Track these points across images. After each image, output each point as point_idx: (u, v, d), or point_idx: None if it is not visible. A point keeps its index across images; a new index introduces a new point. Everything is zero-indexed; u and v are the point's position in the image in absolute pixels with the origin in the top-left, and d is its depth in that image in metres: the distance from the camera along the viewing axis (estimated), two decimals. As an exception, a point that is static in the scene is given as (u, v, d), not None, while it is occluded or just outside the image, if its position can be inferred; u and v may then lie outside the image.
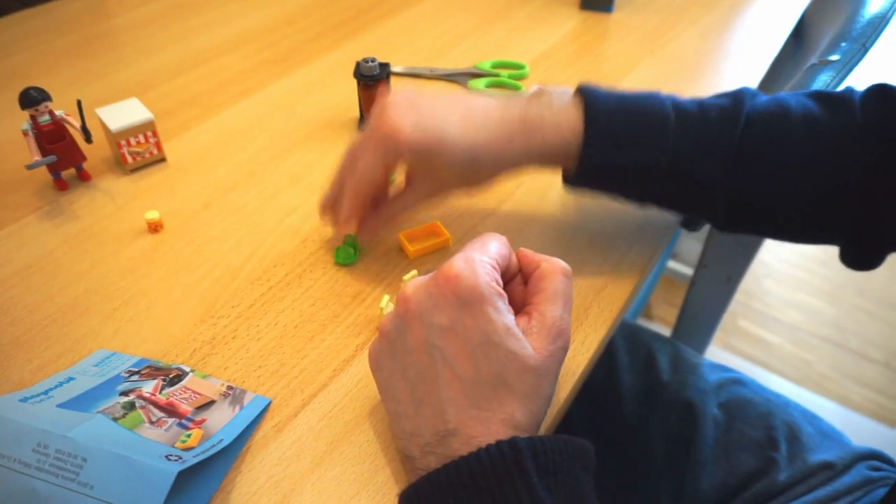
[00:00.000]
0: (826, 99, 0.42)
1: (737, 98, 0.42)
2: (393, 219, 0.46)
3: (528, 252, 0.37)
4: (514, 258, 0.36)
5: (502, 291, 0.33)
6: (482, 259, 0.33)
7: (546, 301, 0.34)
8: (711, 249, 0.81)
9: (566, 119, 0.42)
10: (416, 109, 0.41)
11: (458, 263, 0.32)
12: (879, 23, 0.59)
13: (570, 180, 0.45)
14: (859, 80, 0.51)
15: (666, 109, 0.42)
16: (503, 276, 0.35)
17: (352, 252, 0.47)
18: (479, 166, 0.42)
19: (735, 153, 0.41)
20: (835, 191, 0.42)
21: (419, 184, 0.45)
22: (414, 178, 0.46)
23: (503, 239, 0.36)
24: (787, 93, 0.44)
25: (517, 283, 0.36)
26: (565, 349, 0.34)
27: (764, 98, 0.43)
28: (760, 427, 0.53)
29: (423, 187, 0.45)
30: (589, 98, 0.42)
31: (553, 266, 0.35)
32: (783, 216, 0.44)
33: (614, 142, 0.41)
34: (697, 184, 0.42)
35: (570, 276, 0.35)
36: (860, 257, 0.45)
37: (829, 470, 0.50)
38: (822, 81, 0.55)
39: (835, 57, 0.56)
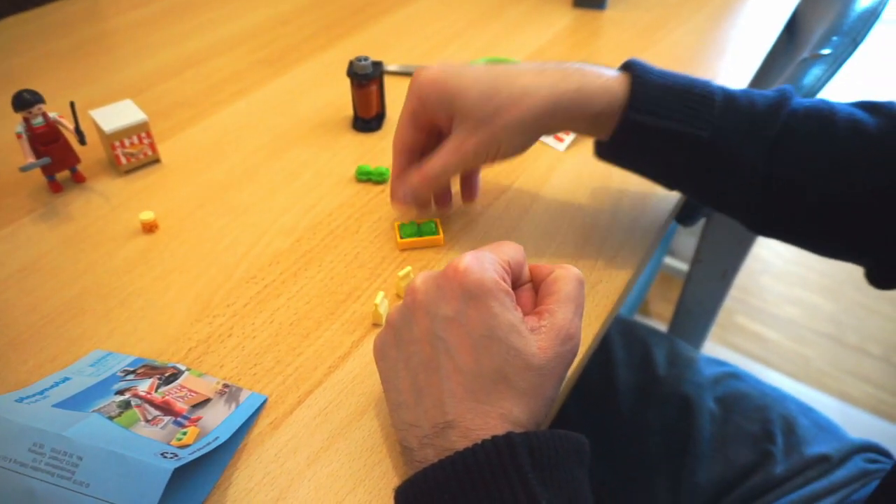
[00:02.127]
0: (870, 106, 0.42)
1: (783, 92, 0.42)
2: (431, 179, 0.45)
3: (540, 264, 0.37)
4: (526, 269, 0.36)
5: (510, 290, 0.33)
6: (493, 258, 0.33)
7: (558, 303, 0.33)
8: (706, 244, 0.81)
9: (611, 77, 0.42)
10: (446, 63, 0.45)
11: (468, 258, 0.33)
12: (870, 17, 0.59)
13: (604, 145, 0.45)
14: (850, 74, 0.51)
15: (712, 88, 0.42)
16: (514, 282, 0.35)
17: (416, 228, 0.48)
18: (501, 101, 0.41)
19: (777, 138, 0.41)
20: (873, 194, 0.40)
21: (453, 136, 0.44)
22: (449, 131, 0.44)
23: (520, 248, 0.36)
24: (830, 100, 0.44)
25: (527, 289, 0.36)
26: (573, 353, 0.33)
27: (808, 99, 0.43)
28: (757, 420, 0.54)
29: (455, 138, 0.44)
30: (637, 66, 0.42)
31: (567, 271, 0.35)
32: (818, 214, 0.42)
33: (659, 106, 0.41)
34: (735, 164, 0.41)
35: (583, 284, 0.35)
36: (889, 274, 0.43)
37: (826, 462, 0.50)
38: (813, 75, 0.55)
39: (826, 51, 0.57)
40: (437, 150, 0.45)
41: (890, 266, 0.43)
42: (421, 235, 0.48)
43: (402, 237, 0.48)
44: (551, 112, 0.42)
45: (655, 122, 0.41)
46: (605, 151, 0.45)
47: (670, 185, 0.46)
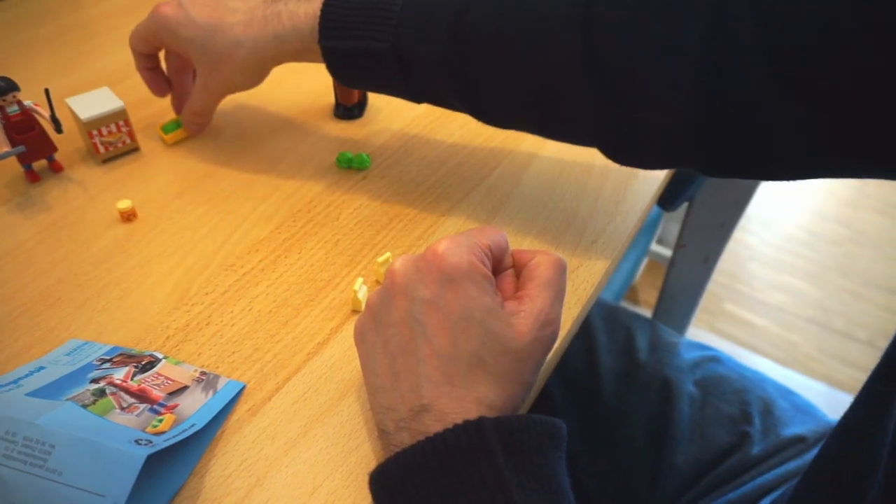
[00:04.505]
0: None
1: None
2: (199, 114, 0.54)
3: (523, 249, 0.36)
4: (509, 254, 0.36)
5: (490, 274, 0.33)
6: (472, 241, 0.33)
7: (538, 287, 0.33)
8: (688, 229, 0.81)
9: (304, 11, 0.45)
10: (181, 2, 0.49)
11: (447, 242, 0.33)
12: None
13: (330, 71, 0.47)
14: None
15: None
16: (495, 267, 0.35)
17: (174, 126, 0.57)
18: (217, 53, 0.48)
19: (453, 32, 0.40)
20: (560, 73, 0.38)
21: (198, 75, 0.51)
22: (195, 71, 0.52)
23: (502, 232, 0.36)
24: None
25: (509, 274, 0.36)
26: (552, 339, 0.33)
27: None
28: (735, 403, 0.54)
29: (200, 77, 0.51)
30: None
31: (549, 257, 0.35)
32: (512, 100, 0.42)
33: (341, 28, 0.43)
34: (421, 67, 0.42)
35: (565, 269, 0.35)
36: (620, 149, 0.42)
37: (802, 443, 0.51)
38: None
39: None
40: (193, 90, 0.52)
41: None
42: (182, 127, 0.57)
43: (166, 133, 0.56)
44: (264, 59, 0.48)
45: (341, 45, 0.43)
46: (332, 75, 0.48)
47: (405, 95, 0.46)
